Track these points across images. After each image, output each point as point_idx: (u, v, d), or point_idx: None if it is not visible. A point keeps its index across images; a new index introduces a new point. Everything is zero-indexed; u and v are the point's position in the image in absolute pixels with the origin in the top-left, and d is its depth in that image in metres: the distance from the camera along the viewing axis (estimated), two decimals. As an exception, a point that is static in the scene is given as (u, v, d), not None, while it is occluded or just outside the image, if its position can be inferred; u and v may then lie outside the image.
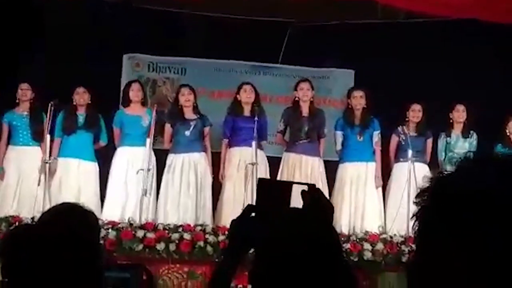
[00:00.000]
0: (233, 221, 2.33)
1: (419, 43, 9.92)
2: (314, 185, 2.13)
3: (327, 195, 8.74)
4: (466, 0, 8.82)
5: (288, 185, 2.21)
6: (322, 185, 8.69)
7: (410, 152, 8.66)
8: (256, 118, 8.58)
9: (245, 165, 8.55)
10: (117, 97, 9.69)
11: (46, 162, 8.40)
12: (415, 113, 9.10)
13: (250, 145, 8.48)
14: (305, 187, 2.11)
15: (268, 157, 9.05)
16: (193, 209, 8.65)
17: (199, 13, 10.28)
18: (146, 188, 8.28)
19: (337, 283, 1.95)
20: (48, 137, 8.49)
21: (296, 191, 2.17)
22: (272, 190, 2.22)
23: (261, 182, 2.27)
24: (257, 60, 10.72)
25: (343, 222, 8.73)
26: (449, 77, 9.80)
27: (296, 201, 2.16)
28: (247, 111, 8.88)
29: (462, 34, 9.57)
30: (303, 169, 8.77)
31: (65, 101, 8.87)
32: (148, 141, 8.44)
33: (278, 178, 8.30)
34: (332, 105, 10.48)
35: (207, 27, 10.20)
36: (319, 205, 2.09)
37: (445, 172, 1.26)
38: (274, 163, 9.00)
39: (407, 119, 9.15)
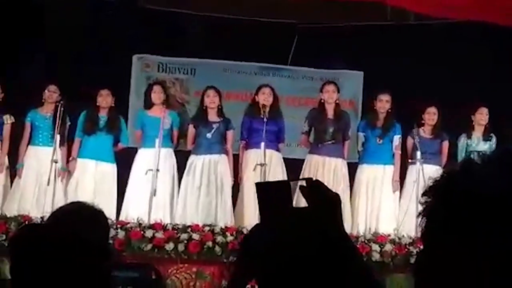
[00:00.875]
0: (243, 237, 2.31)
1: (429, 45, 9.90)
2: (311, 178, 2.10)
3: (349, 196, 8.79)
4: (477, 2, 8.79)
5: (286, 183, 2.18)
6: (344, 186, 8.73)
7: (418, 154, 8.65)
8: (265, 120, 8.58)
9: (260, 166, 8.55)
10: (127, 98, 9.71)
11: (55, 162, 8.42)
12: (430, 115, 9.09)
13: (267, 147, 8.49)
14: (303, 182, 2.09)
15: (291, 159, 9.04)
16: (213, 210, 8.66)
17: (208, 15, 10.29)
18: (155, 189, 8.30)
19: (351, 281, 1.94)
20: (57, 137, 8.51)
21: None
22: (271, 192, 2.20)
23: (258, 186, 2.25)
24: (266, 62, 10.72)
25: (360, 223, 8.75)
26: (456, 79, 9.78)
27: (302, 199, 2.15)
28: (263, 113, 8.86)
29: (470, 36, 9.55)
30: (326, 171, 8.77)
31: (71, 101, 8.84)
32: (157, 141, 8.45)
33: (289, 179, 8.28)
34: (342, 106, 10.47)
35: (216, 28, 10.20)
36: (322, 199, 2.06)
37: (450, 171, 1.26)
38: (294, 164, 8.97)
39: (423, 122, 9.14)
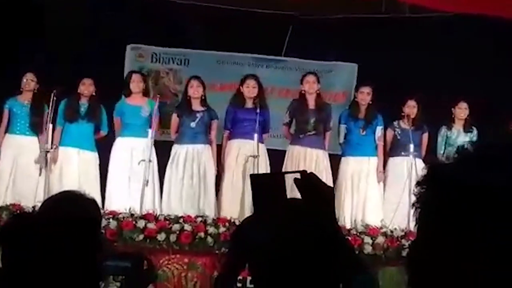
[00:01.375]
0: (235, 229, 2.31)
1: (423, 37, 9.90)
2: (305, 171, 2.09)
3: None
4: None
5: (280, 175, 2.18)
6: (326, 178, 8.70)
7: (411, 147, 8.67)
8: (258, 111, 8.58)
9: (244, 157, 8.58)
10: (120, 88, 9.69)
11: (47, 151, 8.41)
12: (410, 108, 9.12)
13: (250, 138, 8.50)
14: (298, 175, 2.08)
15: (271, 150, 9.06)
16: (196, 200, 8.67)
17: (203, 5, 10.26)
18: (147, 179, 8.29)
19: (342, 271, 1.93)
20: (50, 126, 8.49)
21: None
22: (265, 184, 2.19)
23: (253, 178, 2.24)
24: (260, 53, 10.71)
25: (346, 216, 8.76)
26: (452, 72, 9.78)
27: (294, 191, 2.14)
28: (249, 104, 8.88)
29: (466, 29, 9.54)
30: (308, 162, 8.77)
31: (68, 92, 8.87)
32: (151, 132, 8.44)
33: (283, 171, 8.29)
34: (335, 98, 10.48)
35: (211, 19, 10.18)
36: (316, 191, 2.06)
37: (443, 162, 1.26)
38: (277, 156, 8.99)
39: (403, 114, 9.15)
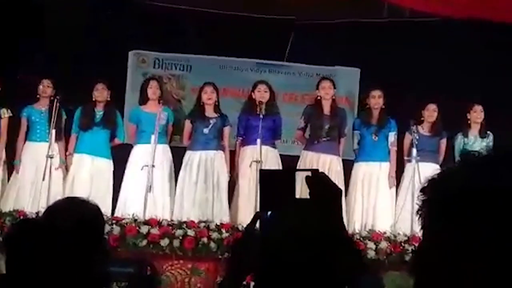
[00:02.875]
0: (234, 242, 2.30)
1: (425, 41, 9.90)
2: (317, 170, 2.09)
3: (344, 194, 8.76)
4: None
5: (291, 173, 2.16)
6: (339, 184, 8.61)
7: (414, 151, 8.63)
8: (261, 116, 8.58)
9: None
10: (122, 94, 9.70)
11: (49, 157, 8.40)
12: (430, 112, 9.06)
13: (263, 144, 8.49)
14: (309, 173, 2.07)
15: (287, 156, 9.03)
16: (210, 206, 8.65)
17: (206, 10, 10.27)
18: (150, 185, 8.29)
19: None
20: (53, 132, 8.48)
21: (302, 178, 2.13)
22: (275, 180, 2.18)
23: (262, 173, 2.23)
24: (262, 58, 10.71)
25: (356, 221, 8.73)
26: (452, 76, 9.79)
27: (303, 189, 2.13)
28: (259, 110, 8.84)
29: (465, 33, 9.54)
30: (320, 168, 8.69)
31: (65, 99, 8.83)
32: (153, 137, 8.43)
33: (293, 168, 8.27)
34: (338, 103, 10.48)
35: (213, 25, 10.19)
36: (324, 190, 2.05)
37: (447, 169, 1.26)
38: (289, 161, 8.93)
39: (422, 119, 9.13)
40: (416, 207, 1.27)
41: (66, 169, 8.82)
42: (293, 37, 10.57)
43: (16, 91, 9.07)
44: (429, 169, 8.39)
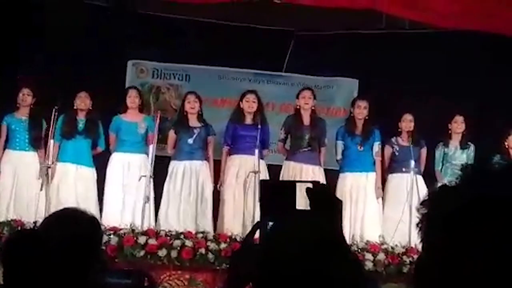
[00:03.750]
0: (233, 253, 2.30)
1: (424, 53, 9.91)
2: (318, 181, 2.09)
3: None
4: (469, 11, 8.81)
5: (292, 184, 2.17)
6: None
7: (412, 163, 8.64)
8: (259, 127, 8.58)
9: (244, 173, 8.57)
10: (121, 104, 9.69)
11: (48, 167, 8.40)
12: (407, 123, 9.08)
13: (250, 154, 8.48)
14: (310, 185, 2.08)
15: (273, 166, 9.04)
16: (193, 216, 8.65)
17: (204, 20, 10.29)
18: (148, 195, 8.28)
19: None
20: (51, 142, 8.49)
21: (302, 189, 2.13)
22: (275, 191, 2.19)
23: (264, 184, 2.23)
24: (261, 69, 10.72)
25: (344, 231, 8.68)
26: (450, 87, 9.82)
27: (302, 200, 2.13)
28: (249, 119, 8.86)
29: (465, 45, 9.56)
30: (303, 178, 8.71)
31: (67, 107, 8.87)
32: (151, 147, 8.43)
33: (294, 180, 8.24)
34: (335, 114, 10.49)
35: (212, 35, 10.20)
36: (326, 202, 2.06)
37: (447, 183, 1.27)
38: (274, 171, 8.97)
39: (399, 130, 9.14)
40: (414, 218, 1.28)
41: (47, 178, 8.73)
42: (291, 47, 10.58)
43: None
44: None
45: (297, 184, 2.16)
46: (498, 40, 9.01)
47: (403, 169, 8.87)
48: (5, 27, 9.37)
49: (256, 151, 8.40)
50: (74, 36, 9.52)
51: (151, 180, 8.37)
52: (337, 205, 2.10)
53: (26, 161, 8.80)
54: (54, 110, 8.54)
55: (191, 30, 10.26)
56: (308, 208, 2.08)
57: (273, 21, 10.37)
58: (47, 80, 9.36)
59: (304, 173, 8.79)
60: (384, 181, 9.10)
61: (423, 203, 1.29)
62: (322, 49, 10.27)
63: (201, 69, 10.73)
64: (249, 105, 8.83)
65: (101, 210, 8.71)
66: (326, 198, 2.06)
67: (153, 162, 8.41)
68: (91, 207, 8.20)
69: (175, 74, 10.81)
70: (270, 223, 2.14)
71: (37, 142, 8.82)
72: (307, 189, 2.05)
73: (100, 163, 9.02)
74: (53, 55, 9.60)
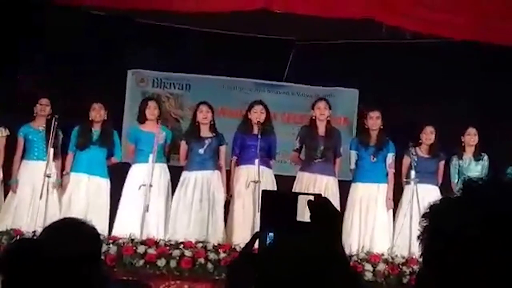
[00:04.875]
0: (231, 263, 2.29)
1: (424, 63, 9.91)
2: (320, 194, 2.09)
3: None
4: (471, 22, 8.82)
5: (293, 196, 2.17)
6: (335, 205, 8.59)
7: (413, 173, 8.63)
8: (259, 137, 8.57)
9: (253, 183, 8.55)
10: (121, 112, 9.69)
11: (47, 176, 8.39)
12: (428, 135, 9.07)
13: (260, 164, 8.48)
14: (311, 197, 2.07)
15: (279, 176, 9.02)
16: (205, 226, 8.62)
17: (205, 30, 10.29)
18: (147, 204, 8.27)
19: None
20: (51, 151, 8.48)
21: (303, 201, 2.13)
22: (276, 202, 2.18)
23: (265, 194, 2.22)
24: (261, 78, 10.72)
25: (353, 242, 8.66)
26: (448, 98, 9.82)
27: (303, 212, 2.13)
28: (256, 130, 8.84)
29: (466, 56, 9.56)
30: (317, 189, 8.67)
31: (64, 117, 8.82)
32: (151, 157, 8.42)
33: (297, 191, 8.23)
34: (335, 124, 10.47)
35: (212, 44, 10.20)
36: (327, 215, 2.05)
37: (449, 197, 1.26)
38: (286, 181, 8.94)
39: (420, 141, 9.12)
40: (415, 229, 1.27)
41: (62, 188, 8.78)
42: (292, 57, 10.58)
43: (12, 109, 9.05)
44: (429, 191, 8.44)
45: (299, 196, 2.16)
46: (501, 50, 9.00)
47: (404, 180, 8.87)
48: (5, 27, 9.38)
49: (256, 160, 8.39)
50: (73, 47, 9.52)
51: (151, 189, 8.36)
52: (338, 218, 2.10)
53: (43, 171, 8.73)
54: (54, 119, 8.53)
55: (192, 40, 10.27)
56: (308, 220, 2.08)
57: (274, 31, 10.37)
58: (47, 81, 9.38)
59: (318, 183, 8.77)
60: (400, 191, 9.05)
61: (424, 216, 1.29)
62: (323, 58, 10.27)
63: (202, 78, 10.73)
64: (257, 116, 8.82)
65: (113, 220, 8.65)
66: (327, 211, 2.06)
67: (153, 171, 8.40)
68: (101, 217, 8.20)
69: (176, 83, 10.81)
70: (270, 234, 2.13)
71: (55, 153, 8.76)
72: (309, 202, 2.05)
73: (116, 174, 8.99)
74: (53, 55, 9.58)
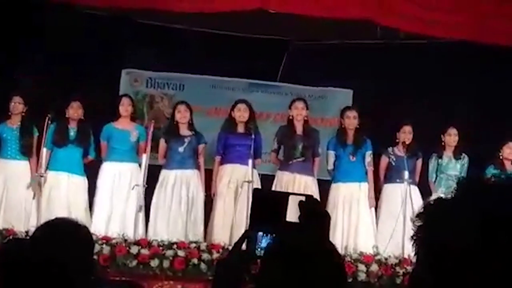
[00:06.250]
0: (219, 262, 2.29)
1: (418, 64, 9.93)
2: (311, 195, 2.10)
3: None
4: (464, 21, 8.83)
5: (284, 196, 2.16)
6: None
7: (406, 174, 8.64)
8: (253, 136, 8.57)
9: (236, 182, 8.59)
10: (114, 112, 9.66)
11: (42, 176, 8.38)
12: (406, 135, 9.09)
13: (242, 163, 8.51)
14: (302, 198, 2.08)
15: (264, 175, 9.03)
16: (184, 225, 8.63)
17: (199, 30, 10.28)
18: (141, 204, 8.26)
19: None
20: (44, 150, 8.47)
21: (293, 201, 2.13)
22: (267, 201, 2.18)
23: (256, 192, 2.22)
24: (255, 78, 10.72)
25: (336, 242, 8.64)
26: (445, 98, 9.84)
27: (293, 212, 2.12)
28: (240, 129, 8.86)
29: (459, 55, 9.58)
30: (296, 189, 8.69)
31: (59, 116, 8.84)
32: (145, 157, 8.41)
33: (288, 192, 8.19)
34: (329, 124, 10.47)
35: (206, 44, 10.19)
36: (316, 216, 2.06)
37: (443, 195, 1.26)
38: (266, 181, 8.94)
39: (397, 140, 9.14)
40: (408, 229, 1.27)
41: (40, 186, 8.69)
42: (286, 57, 10.58)
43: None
44: (411, 190, 8.48)
45: (290, 196, 2.16)
46: (493, 50, 9.02)
47: (398, 180, 8.87)
48: (5, 27, 9.36)
49: (250, 160, 8.38)
50: (67, 47, 9.50)
51: (144, 189, 8.35)
52: (327, 218, 2.11)
53: (16, 170, 8.77)
54: (47, 118, 8.52)
55: (186, 40, 10.25)
56: (297, 220, 2.08)
57: (268, 31, 10.37)
58: (42, 81, 9.35)
59: (297, 183, 8.78)
60: (378, 190, 9.09)
61: (418, 216, 1.28)
62: (316, 59, 10.27)
63: (195, 78, 10.73)
64: (240, 114, 8.84)
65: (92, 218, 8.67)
66: (317, 212, 2.07)
67: (146, 171, 8.39)
68: (81, 216, 8.16)
69: (169, 83, 10.80)
70: (259, 233, 2.13)
71: (29, 151, 8.80)
72: (300, 202, 2.05)
73: (92, 172, 8.99)
74: (53, 45, 9.55)
